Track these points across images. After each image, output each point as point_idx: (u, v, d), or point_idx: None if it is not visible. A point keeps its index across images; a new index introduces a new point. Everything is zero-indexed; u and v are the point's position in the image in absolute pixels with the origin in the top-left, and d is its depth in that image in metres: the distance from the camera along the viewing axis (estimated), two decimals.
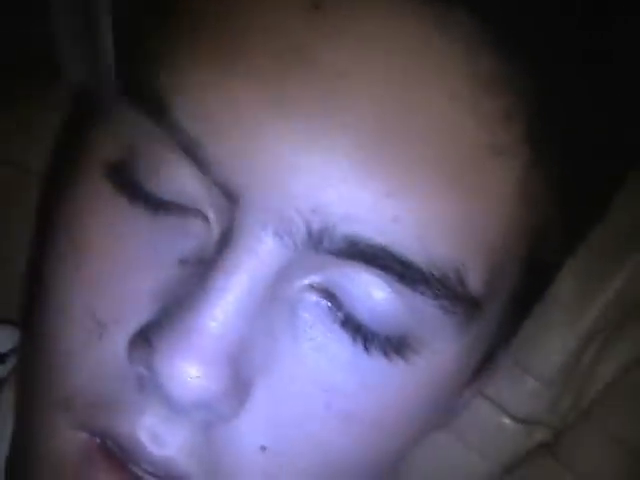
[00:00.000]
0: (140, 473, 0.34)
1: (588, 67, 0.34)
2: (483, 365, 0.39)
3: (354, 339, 0.33)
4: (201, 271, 0.32)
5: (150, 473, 0.34)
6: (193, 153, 0.32)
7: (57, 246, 0.36)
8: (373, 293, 0.33)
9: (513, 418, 0.45)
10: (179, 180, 0.33)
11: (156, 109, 0.32)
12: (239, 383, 0.32)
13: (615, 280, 0.44)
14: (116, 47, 0.39)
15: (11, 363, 0.48)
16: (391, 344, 0.33)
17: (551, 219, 0.35)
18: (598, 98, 0.35)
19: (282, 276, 0.32)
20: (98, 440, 0.34)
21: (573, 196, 0.36)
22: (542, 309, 0.41)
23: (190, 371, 0.31)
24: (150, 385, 0.32)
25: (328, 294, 0.33)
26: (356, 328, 0.33)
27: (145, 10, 0.36)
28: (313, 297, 0.33)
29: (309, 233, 0.31)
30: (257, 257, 0.32)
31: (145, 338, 0.32)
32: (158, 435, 0.33)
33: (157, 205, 0.33)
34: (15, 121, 0.52)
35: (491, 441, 0.46)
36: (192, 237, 0.33)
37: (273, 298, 0.33)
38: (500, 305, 0.36)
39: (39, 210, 0.48)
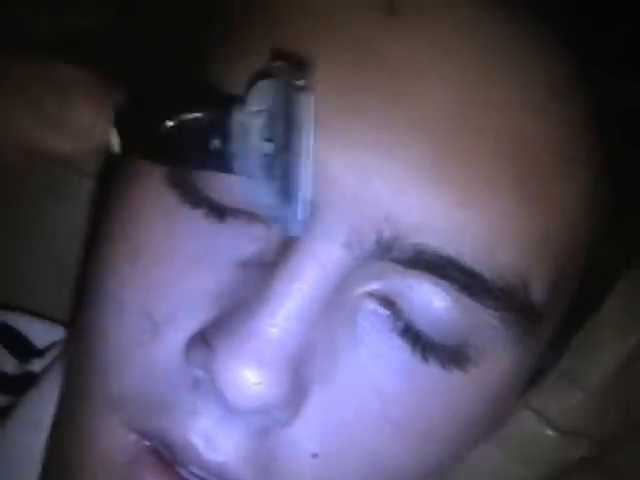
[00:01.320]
0: (189, 477, 0.34)
1: None
2: (535, 377, 0.39)
3: (413, 348, 0.33)
4: (262, 275, 0.32)
5: (200, 477, 0.33)
6: None
7: (113, 245, 0.35)
8: (434, 302, 0.32)
9: (557, 430, 0.45)
10: (242, 184, 0.32)
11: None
12: (297, 389, 0.32)
13: None
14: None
15: (49, 358, 0.48)
16: (449, 354, 0.33)
17: (613, 232, 0.35)
18: None
19: (344, 283, 0.32)
20: (148, 442, 0.34)
21: (635, 212, 0.35)
22: (593, 322, 0.41)
23: (250, 377, 0.31)
24: (207, 387, 0.32)
25: (388, 302, 0.33)
26: (415, 337, 0.33)
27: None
28: (373, 305, 0.33)
29: (378, 242, 0.31)
30: (321, 264, 0.31)
31: (204, 340, 0.32)
32: (212, 439, 0.33)
33: (216, 207, 0.33)
34: None
35: (534, 452, 0.46)
36: (254, 240, 0.33)
37: (334, 304, 0.32)
38: (557, 319, 0.36)
39: (94, 208, 0.48)
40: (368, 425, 0.33)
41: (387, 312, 0.33)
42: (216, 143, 0.28)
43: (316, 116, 0.30)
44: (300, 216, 0.30)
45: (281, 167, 0.29)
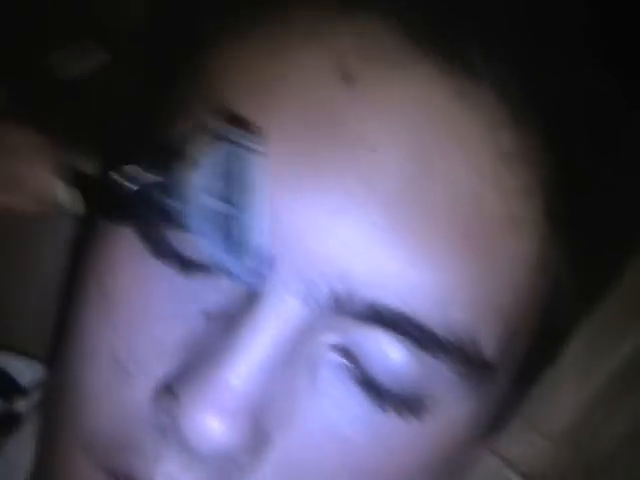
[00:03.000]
0: None
1: (605, 144, 0.35)
2: (494, 423, 0.40)
3: (371, 398, 0.34)
4: (226, 326, 0.34)
5: None
6: None
7: (87, 292, 0.37)
8: (391, 355, 0.34)
9: (520, 475, 0.46)
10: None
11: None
12: (258, 436, 0.34)
13: (626, 343, 0.44)
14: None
15: (34, 398, 0.49)
16: (406, 403, 0.35)
17: (565, 286, 0.37)
18: (615, 173, 0.36)
19: (304, 335, 0.34)
20: None
21: (588, 263, 0.37)
22: (554, 367, 0.42)
23: (212, 424, 0.32)
24: (172, 433, 0.34)
25: (347, 353, 0.34)
26: (373, 387, 0.34)
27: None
28: (333, 356, 0.34)
29: (333, 297, 0.33)
30: (281, 317, 0.33)
31: (170, 389, 0.34)
32: None
33: (185, 262, 0.35)
34: None
35: None
36: (218, 292, 0.35)
37: (295, 355, 0.34)
38: (513, 369, 0.37)
39: (71, 254, 0.49)
40: (327, 471, 0.35)
41: (346, 362, 0.34)
42: (170, 202, 0.30)
43: (274, 175, 0.32)
44: (252, 272, 0.31)
45: (234, 226, 0.31)
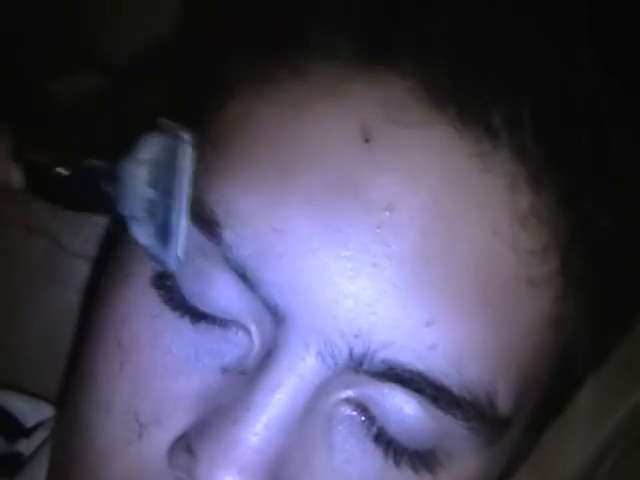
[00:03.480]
0: None
1: (620, 205, 0.36)
2: (504, 473, 0.40)
3: (385, 453, 0.34)
4: (243, 382, 0.34)
5: None
6: (242, 272, 0.33)
7: (102, 344, 0.37)
8: (406, 411, 0.34)
9: None
10: (223, 295, 0.34)
11: (207, 224, 0.34)
12: None
13: (633, 396, 0.45)
14: None
15: (36, 438, 0.49)
16: (420, 459, 0.35)
17: (579, 340, 0.37)
18: (629, 230, 0.36)
19: (321, 392, 0.34)
20: None
21: (601, 316, 0.37)
22: (563, 417, 0.42)
23: None
24: None
25: (362, 408, 0.34)
26: (387, 442, 0.34)
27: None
28: (348, 410, 0.34)
29: (350, 356, 0.33)
30: (299, 375, 0.33)
31: (187, 445, 0.33)
32: None
33: (201, 315, 0.35)
34: None
35: None
36: (235, 346, 0.35)
37: (311, 412, 0.34)
38: (524, 421, 0.37)
39: (85, 300, 0.49)
40: None
41: (361, 418, 0.34)
42: (106, 188, 0.31)
43: (291, 232, 0.33)
44: (175, 255, 0.32)
45: (161, 211, 0.31)
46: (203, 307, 0.35)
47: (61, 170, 0.31)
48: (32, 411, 0.50)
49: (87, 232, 0.53)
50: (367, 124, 0.33)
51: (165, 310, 0.35)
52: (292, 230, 0.33)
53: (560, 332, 0.36)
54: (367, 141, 0.33)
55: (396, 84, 0.34)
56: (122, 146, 0.34)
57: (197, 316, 0.35)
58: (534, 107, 0.34)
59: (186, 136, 0.32)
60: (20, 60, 0.53)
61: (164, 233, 0.33)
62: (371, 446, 0.34)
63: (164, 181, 0.32)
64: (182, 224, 0.33)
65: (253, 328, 0.34)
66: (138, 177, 0.32)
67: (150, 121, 0.35)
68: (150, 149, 0.32)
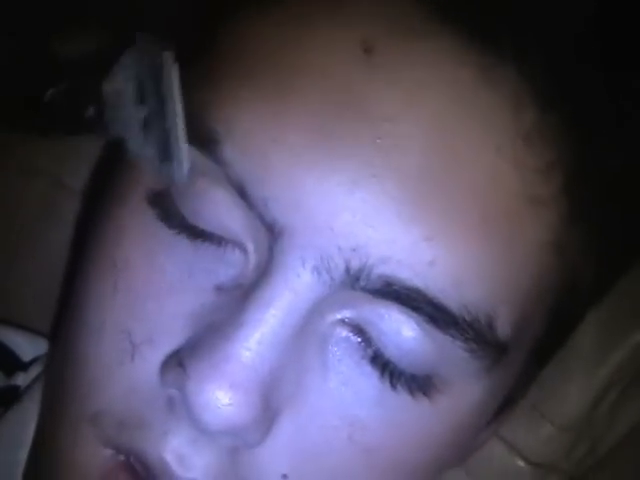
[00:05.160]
0: None
1: (625, 126, 0.35)
2: (502, 408, 0.40)
3: (381, 375, 0.34)
4: (237, 299, 0.33)
5: None
6: (240, 188, 0.33)
7: (96, 265, 0.37)
8: (403, 332, 0.33)
9: (527, 461, 0.46)
10: (222, 213, 0.34)
11: (206, 141, 0.33)
12: (267, 412, 0.33)
13: (635, 334, 0.44)
14: None
15: (33, 372, 0.48)
16: (417, 382, 0.34)
17: (581, 270, 0.36)
18: (635, 156, 0.36)
19: (316, 310, 0.33)
20: (123, 457, 0.35)
21: (604, 248, 0.37)
22: (562, 356, 0.42)
23: (221, 398, 0.32)
24: (180, 407, 0.33)
25: (359, 330, 0.34)
26: (384, 365, 0.34)
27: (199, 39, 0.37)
28: (344, 332, 0.34)
29: (347, 271, 0.32)
30: (294, 291, 0.33)
31: (179, 362, 0.33)
32: (184, 457, 0.34)
33: (197, 234, 0.34)
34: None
35: None
36: (230, 265, 0.34)
37: (305, 331, 0.33)
38: (524, 351, 0.37)
39: (78, 226, 0.49)
40: (336, 449, 0.34)
41: (357, 339, 0.34)
42: (91, 111, 0.30)
43: (290, 146, 0.32)
44: (180, 166, 0.32)
45: (157, 126, 0.31)
46: (200, 226, 0.34)
47: (45, 94, 0.30)
48: (30, 346, 0.50)
49: (88, 170, 0.53)
50: (369, 37, 0.32)
51: (161, 229, 0.35)
52: (291, 141, 0.32)
53: (563, 258, 0.35)
54: (369, 54, 0.32)
55: None
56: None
57: (194, 234, 0.34)
58: (542, 23, 0.33)
59: (167, 53, 0.31)
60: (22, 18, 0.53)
61: (165, 147, 0.32)
62: (367, 368, 0.34)
63: (152, 97, 0.32)
64: (181, 135, 0.32)
65: (250, 246, 0.34)
66: (125, 95, 0.31)
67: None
68: (132, 66, 0.31)
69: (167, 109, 0.31)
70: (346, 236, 0.32)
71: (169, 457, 0.34)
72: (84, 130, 0.32)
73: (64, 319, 0.39)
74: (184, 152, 0.32)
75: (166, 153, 0.32)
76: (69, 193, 0.53)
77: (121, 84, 0.31)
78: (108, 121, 0.31)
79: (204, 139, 0.33)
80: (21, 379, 0.48)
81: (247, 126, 0.33)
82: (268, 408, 0.33)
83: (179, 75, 0.31)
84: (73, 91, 0.30)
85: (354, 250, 0.32)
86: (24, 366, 0.49)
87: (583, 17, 0.34)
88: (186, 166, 0.32)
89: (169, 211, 0.35)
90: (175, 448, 0.34)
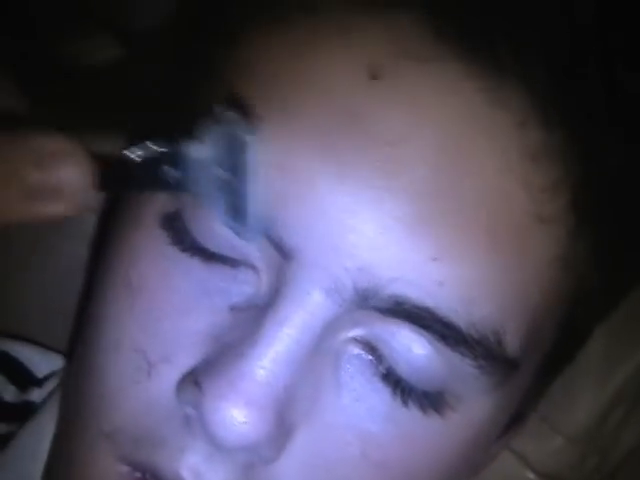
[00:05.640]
0: None
1: (631, 142, 0.35)
2: (512, 421, 0.40)
3: (393, 392, 0.34)
4: (251, 319, 0.34)
5: None
6: None
7: (112, 285, 0.37)
8: (414, 349, 0.34)
9: (537, 473, 0.46)
10: (231, 235, 0.34)
11: None
12: (282, 429, 0.34)
13: None
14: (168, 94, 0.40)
15: (48, 388, 0.49)
16: (428, 399, 0.35)
17: (589, 284, 0.37)
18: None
19: (328, 328, 0.34)
20: (139, 475, 0.35)
21: (611, 263, 0.37)
22: (572, 369, 0.42)
23: (237, 416, 0.32)
24: (196, 425, 0.34)
25: (370, 347, 0.34)
26: (396, 382, 0.34)
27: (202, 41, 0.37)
28: (356, 350, 0.34)
29: (356, 291, 0.33)
30: (306, 310, 0.33)
31: (195, 380, 0.34)
32: (200, 473, 0.34)
33: (208, 255, 0.35)
34: None
35: None
36: (243, 285, 0.35)
37: (319, 349, 0.34)
38: (534, 366, 0.37)
39: (94, 245, 0.49)
40: (349, 465, 0.35)
41: (369, 357, 0.34)
42: (174, 173, 0.32)
43: (295, 167, 0.32)
44: (252, 229, 0.33)
45: (234, 191, 0.32)
46: (212, 247, 0.35)
47: (129, 155, 0.31)
48: (43, 361, 0.51)
49: None
50: (374, 59, 0.33)
51: (174, 251, 0.35)
52: (295, 165, 0.33)
53: (571, 273, 0.35)
54: (374, 77, 0.33)
55: (404, 20, 0.33)
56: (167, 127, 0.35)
57: (206, 256, 0.35)
58: (543, 42, 0.33)
59: (249, 130, 0.33)
60: (33, 19, 0.53)
61: (238, 209, 0.33)
62: (379, 385, 0.34)
63: (231, 164, 0.33)
64: (254, 203, 0.33)
65: (261, 266, 0.34)
66: (205, 161, 0.32)
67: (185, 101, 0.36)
68: (214, 137, 0.33)
69: (247, 178, 0.33)
70: (352, 257, 0.33)
71: (185, 474, 0.34)
72: (161, 188, 0.34)
73: (81, 337, 0.40)
74: (256, 213, 0.33)
75: (240, 214, 0.33)
76: None
77: (207, 152, 0.32)
78: (189, 181, 0.32)
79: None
80: (36, 395, 0.49)
81: None
82: (283, 425, 0.34)
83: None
84: (156, 154, 0.32)
85: (360, 270, 0.33)
86: (38, 382, 0.50)
87: (585, 36, 0.34)
88: (258, 227, 0.33)
89: (181, 233, 0.35)
90: (191, 465, 0.34)
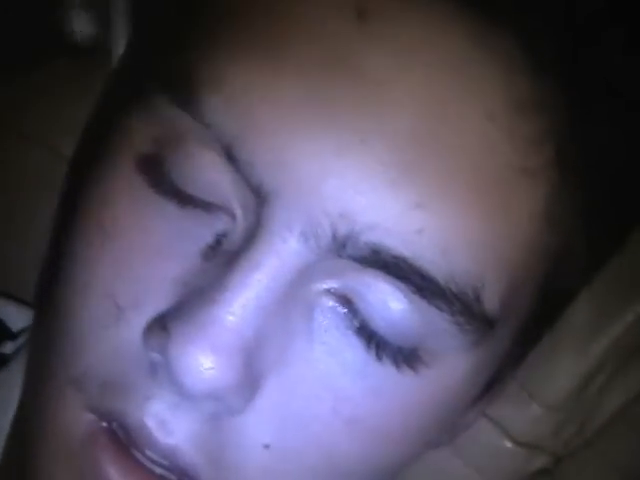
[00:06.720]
0: (144, 461, 0.34)
1: (621, 97, 0.34)
2: (490, 386, 0.39)
3: (367, 346, 0.34)
4: (223, 264, 0.33)
5: (154, 462, 0.34)
6: (227, 150, 0.32)
7: (84, 227, 0.36)
8: (390, 303, 0.33)
9: (514, 441, 0.46)
10: (209, 176, 0.33)
11: (190, 102, 0.33)
12: (250, 378, 0.33)
13: (627, 313, 0.44)
14: (150, 31, 0.39)
15: (21, 341, 0.48)
16: (403, 354, 0.34)
17: (572, 245, 0.36)
18: (629, 129, 0.35)
19: (302, 277, 0.33)
20: (105, 423, 0.35)
21: (596, 224, 0.36)
22: (552, 335, 0.42)
23: (204, 361, 0.32)
24: (162, 372, 0.33)
25: (345, 300, 0.34)
26: (370, 336, 0.34)
27: None
28: (330, 302, 0.34)
29: (334, 237, 0.32)
30: (280, 257, 0.32)
31: (162, 325, 0.33)
32: (165, 422, 0.33)
33: (185, 198, 0.34)
34: (51, 104, 0.53)
35: (490, 461, 0.46)
36: (217, 230, 0.34)
37: (291, 298, 0.33)
38: (513, 327, 0.36)
39: (64, 191, 0.49)
40: (320, 419, 0.34)
41: (344, 310, 0.34)
42: None
43: (279, 110, 0.31)
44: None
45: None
46: (187, 190, 0.34)
47: None
48: (21, 316, 0.50)
49: None
50: (362, 1, 0.32)
51: (150, 193, 0.34)
52: (280, 100, 0.32)
53: (554, 232, 0.35)
54: (361, 15, 0.32)
55: None
56: None
57: (183, 200, 0.34)
58: None
59: None
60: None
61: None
62: (353, 339, 0.34)
63: None
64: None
65: (238, 211, 0.33)
66: None
67: None
68: None
69: None
70: (334, 201, 0.32)
71: (150, 422, 0.33)
72: None
73: (49, 282, 0.39)
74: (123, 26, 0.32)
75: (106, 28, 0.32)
76: (66, 162, 0.53)
77: None
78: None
79: (187, 98, 0.33)
80: (9, 348, 0.48)
81: (235, 86, 0.32)
82: (251, 374, 0.33)
83: None
84: None
85: (341, 215, 0.32)
86: (13, 336, 0.49)
87: None
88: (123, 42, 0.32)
89: (158, 176, 0.34)
90: (156, 413, 0.33)
